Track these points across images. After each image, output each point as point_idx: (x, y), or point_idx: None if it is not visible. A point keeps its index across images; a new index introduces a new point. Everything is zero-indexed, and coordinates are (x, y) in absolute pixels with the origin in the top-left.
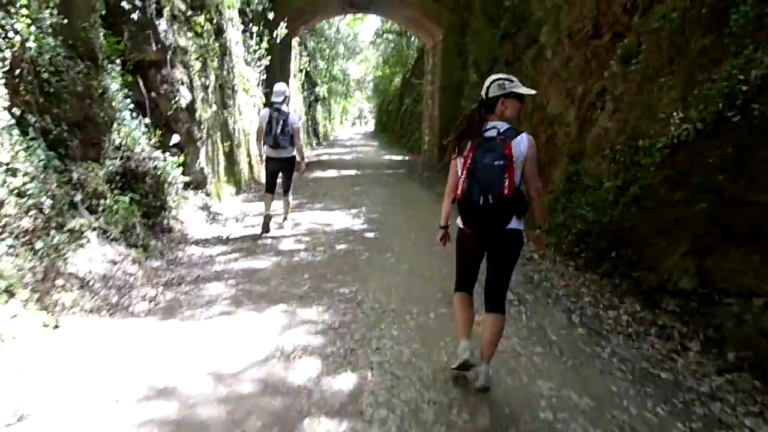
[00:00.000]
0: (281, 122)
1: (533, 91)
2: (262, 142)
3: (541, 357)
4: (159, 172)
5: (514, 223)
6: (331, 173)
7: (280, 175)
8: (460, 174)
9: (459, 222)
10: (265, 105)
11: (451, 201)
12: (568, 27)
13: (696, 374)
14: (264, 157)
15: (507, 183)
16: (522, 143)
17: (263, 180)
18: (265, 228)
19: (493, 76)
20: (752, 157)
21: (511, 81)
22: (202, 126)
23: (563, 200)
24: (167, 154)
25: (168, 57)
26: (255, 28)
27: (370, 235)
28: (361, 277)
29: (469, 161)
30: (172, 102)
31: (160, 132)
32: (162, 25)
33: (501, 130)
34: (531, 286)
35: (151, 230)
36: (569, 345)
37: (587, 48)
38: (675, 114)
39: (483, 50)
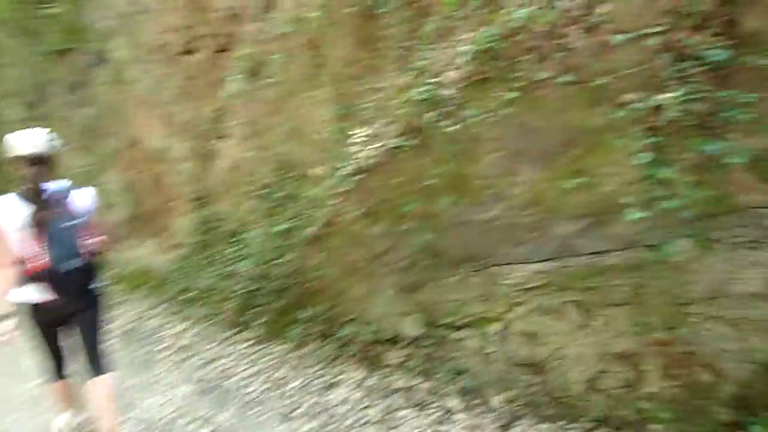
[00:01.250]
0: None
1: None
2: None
3: None
4: None
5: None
6: None
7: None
8: (34, 242)
9: (31, 298)
10: None
11: (26, 272)
12: (150, 41)
13: None
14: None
15: (85, 241)
16: (87, 197)
17: None
18: None
19: (36, 131)
20: (473, 171)
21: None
22: None
23: (200, 257)
24: None
25: None
26: None
27: None
28: None
29: (42, 228)
30: None
31: None
32: None
33: (63, 188)
34: (219, 391)
35: None
36: None
37: (183, 66)
38: (357, 132)
39: (26, 75)
